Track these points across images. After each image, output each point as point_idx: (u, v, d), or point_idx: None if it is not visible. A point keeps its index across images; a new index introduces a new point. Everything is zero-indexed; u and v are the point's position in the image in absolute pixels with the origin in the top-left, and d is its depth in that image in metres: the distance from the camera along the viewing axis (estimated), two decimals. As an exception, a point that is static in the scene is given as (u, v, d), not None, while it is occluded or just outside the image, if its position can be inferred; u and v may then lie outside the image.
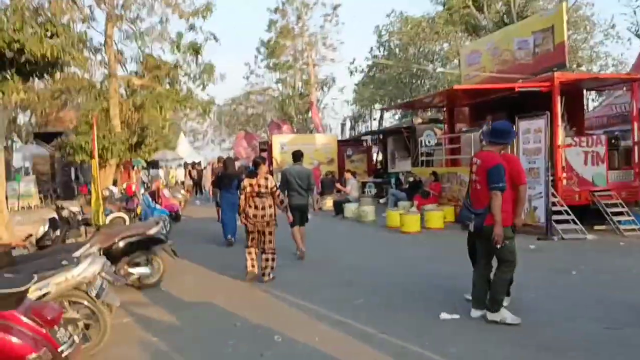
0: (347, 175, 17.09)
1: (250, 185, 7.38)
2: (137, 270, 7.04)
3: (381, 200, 18.44)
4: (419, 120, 20.89)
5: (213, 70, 20.79)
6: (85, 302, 4.59)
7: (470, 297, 5.56)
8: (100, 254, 6.63)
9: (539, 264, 7.95)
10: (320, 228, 13.31)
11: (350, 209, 15.30)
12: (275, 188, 7.46)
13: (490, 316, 5.12)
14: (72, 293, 4.56)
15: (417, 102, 18.42)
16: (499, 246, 4.98)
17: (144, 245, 7.16)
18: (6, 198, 13.27)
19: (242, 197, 7.44)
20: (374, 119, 38.84)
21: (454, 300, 5.88)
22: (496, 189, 4.95)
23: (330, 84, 39.97)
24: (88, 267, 4.59)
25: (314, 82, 36.85)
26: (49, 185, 23.73)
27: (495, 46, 15.63)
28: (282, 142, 22.78)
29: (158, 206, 12.80)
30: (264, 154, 25.21)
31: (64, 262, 4.57)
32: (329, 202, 17.58)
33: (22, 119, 27.27)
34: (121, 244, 6.93)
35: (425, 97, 18.05)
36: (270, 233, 7.43)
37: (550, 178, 10.57)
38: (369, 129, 34.63)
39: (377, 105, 35.61)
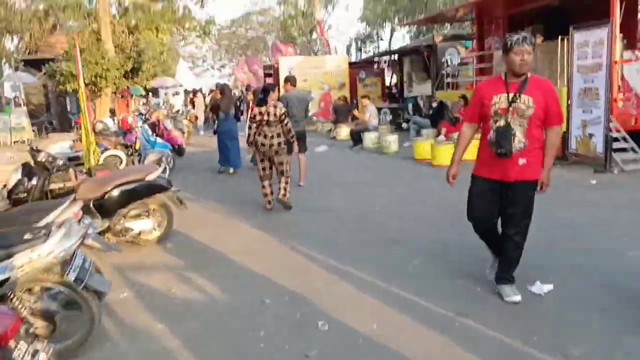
0: (365, 101, 15.50)
1: (260, 113, 7.09)
2: (136, 225, 5.81)
3: (403, 126, 17.08)
4: (440, 38, 18.99)
5: (211, -15, 18.85)
6: (62, 288, 3.37)
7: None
8: (91, 208, 5.45)
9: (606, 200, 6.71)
10: (339, 162, 12.04)
11: (369, 138, 13.93)
12: (284, 116, 7.18)
13: None
14: (42, 277, 3.32)
15: (440, 15, 16.57)
16: None
17: (144, 194, 5.90)
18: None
19: (253, 126, 7.20)
20: (382, 39, 36.53)
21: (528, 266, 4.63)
22: None
23: (335, 2, 37.45)
24: (62, 241, 3.29)
25: (317, 0, 34.29)
26: (43, 117, 22.28)
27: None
28: (290, 65, 20.96)
29: (159, 140, 11.44)
30: (269, 79, 23.54)
31: (26, 236, 3.27)
32: (344, 131, 16.17)
33: (9, 45, 25.22)
34: (115, 193, 5.66)
35: (451, 9, 16.19)
36: (285, 162, 7.28)
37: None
38: (377, 50, 32.45)
39: (389, 24, 33.17)
